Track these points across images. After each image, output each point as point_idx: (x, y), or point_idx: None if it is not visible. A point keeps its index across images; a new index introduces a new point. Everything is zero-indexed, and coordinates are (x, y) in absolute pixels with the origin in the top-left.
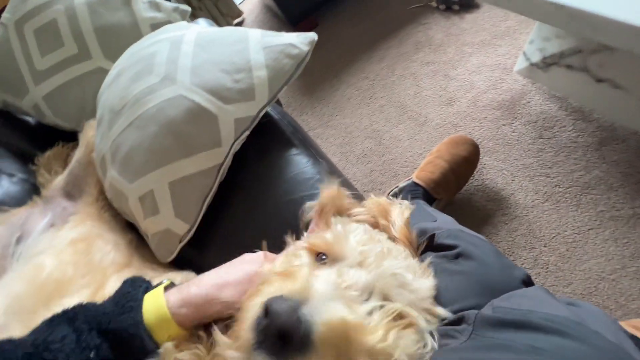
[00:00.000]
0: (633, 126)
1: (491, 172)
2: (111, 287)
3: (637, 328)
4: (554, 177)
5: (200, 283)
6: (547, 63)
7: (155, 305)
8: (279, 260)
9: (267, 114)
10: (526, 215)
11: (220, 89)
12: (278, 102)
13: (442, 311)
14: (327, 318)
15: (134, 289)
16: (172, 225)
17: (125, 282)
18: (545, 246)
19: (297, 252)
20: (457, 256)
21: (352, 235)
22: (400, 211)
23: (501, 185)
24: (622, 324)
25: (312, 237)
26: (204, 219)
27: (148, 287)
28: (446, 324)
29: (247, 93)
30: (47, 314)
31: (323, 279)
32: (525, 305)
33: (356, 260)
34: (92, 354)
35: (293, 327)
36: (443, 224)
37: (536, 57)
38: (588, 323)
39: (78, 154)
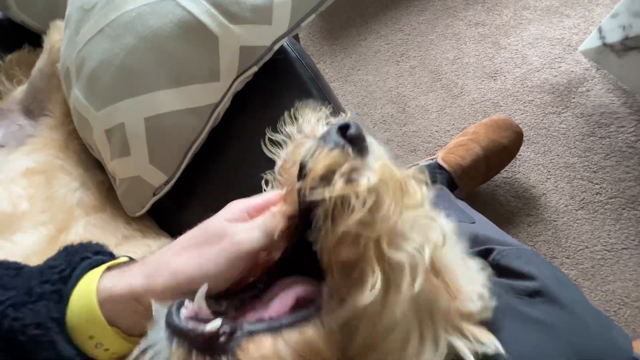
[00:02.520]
0: None
1: (525, 164)
2: (77, 233)
3: None
4: (597, 184)
5: (159, 269)
6: (627, 46)
7: (84, 294)
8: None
9: (282, 50)
10: (554, 221)
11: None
12: (296, 38)
13: None
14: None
15: (65, 264)
16: (145, 173)
17: (61, 250)
18: (568, 258)
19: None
20: (534, 294)
21: None
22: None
23: (534, 182)
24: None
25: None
26: (188, 170)
27: (93, 263)
28: None
29: (263, 13)
30: None
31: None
32: None
33: None
34: None
35: (360, 134)
36: (491, 232)
37: (614, 37)
38: None
39: (40, 62)
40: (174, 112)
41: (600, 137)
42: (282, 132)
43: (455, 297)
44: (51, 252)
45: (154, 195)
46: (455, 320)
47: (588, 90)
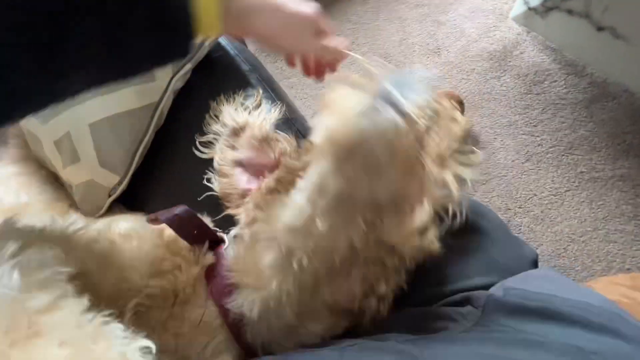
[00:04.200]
0: (627, 82)
1: (474, 128)
2: None
3: (616, 284)
4: (537, 136)
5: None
6: (547, 7)
7: None
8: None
9: (219, 47)
10: (505, 175)
11: None
12: (242, 41)
13: None
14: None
15: None
16: (97, 175)
17: None
18: (520, 207)
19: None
20: (463, 230)
21: None
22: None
23: (482, 143)
24: (604, 279)
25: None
26: (144, 168)
27: None
28: (447, 304)
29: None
30: None
31: None
32: (546, 288)
33: None
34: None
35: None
36: None
37: (536, 0)
38: (625, 314)
39: None
40: (115, 115)
41: (536, 94)
42: (209, 132)
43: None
44: None
45: (109, 196)
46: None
47: (521, 53)
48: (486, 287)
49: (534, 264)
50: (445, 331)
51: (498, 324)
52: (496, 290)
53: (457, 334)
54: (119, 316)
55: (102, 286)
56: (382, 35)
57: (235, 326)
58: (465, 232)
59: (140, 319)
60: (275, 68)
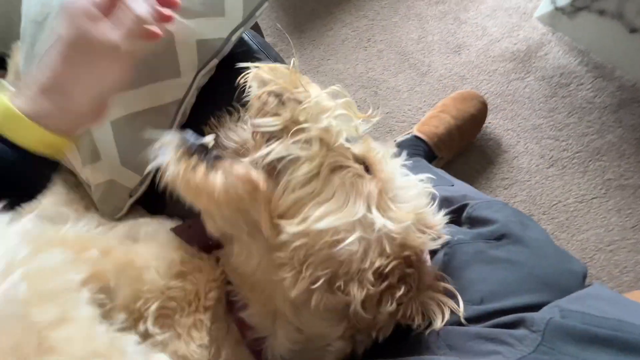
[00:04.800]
0: None
1: (496, 131)
2: None
3: None
4: (563, 141)
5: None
6: (576, 7)
7: None
8: None
9: (243, 43)
10: (528, 181)
11: None
12: (260, 34)
13: None
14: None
15: None
16: (118, 175)
17: None
18: (544, 214)
19: None
20: (501, 237)
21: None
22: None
23: (505, 146)
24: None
25: None
26: None
27: None
28: (496, 325)
29: (215, 5)
30: None
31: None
32: (607, 311)
33: None
34: None
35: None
36: (468, 191)
37: (564, 0)
38: None
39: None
40: (139, 112)
41: (562, 97)
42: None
43: (381, 183)
44: None
45: (130, 196)
46: (382, 202)
47: (546, 54)
48: (537, 306)
49: (584, 279)
50: (497, 355)
51: (562, 352)
52: (553, 313)
53: None
54: (138, 319)
55: (119, 288)
56: (399, 33)
57: (254, 343)
58: (510, 243)
59: (165, 322)
60: (288, 64)
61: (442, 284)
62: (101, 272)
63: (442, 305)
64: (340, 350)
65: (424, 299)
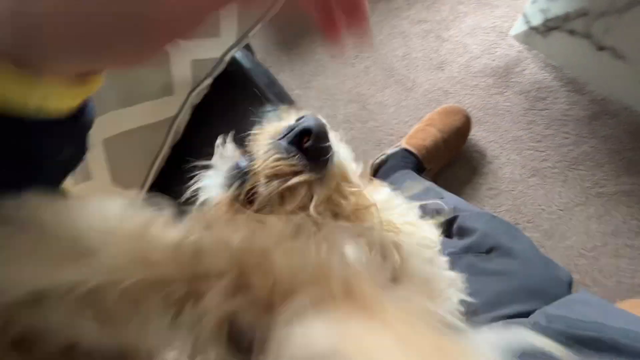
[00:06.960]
0: (627, 100)
1: (479, 143)
2: None
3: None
4: (542, 151)
5: None
6: (549, 27)
7: None
8: None
9: (236, 62)
10: (512, 190)
11: None
12: (251, 52)
13: None
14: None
15: None
16: (109, 193)
17: None
18: (529, 222)
19: None
20: (490, 250)
21: None
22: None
23: (489, 158)
24: (622, 304)
25: None
26: (159, 184)
27: None
28: None
29: (210, 26)
30: None
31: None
32: (589, 315)
33: None
34: None
35: (323, 134)
36: (458, 203)
37: (537, 20)
38: None
39: None
40: (131, 130)
41: (539, 110)
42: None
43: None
44: None
45: None
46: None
47: (523, 70)
48: (527, 313)
49: (570, 286)
50: None
51: (546, 355)
52: (539, 318)
53: None
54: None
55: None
56: (385, 50)
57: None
58: (499, 256)
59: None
60: (279, 80)
61: None
62: None
63: None
64: None
65: None
